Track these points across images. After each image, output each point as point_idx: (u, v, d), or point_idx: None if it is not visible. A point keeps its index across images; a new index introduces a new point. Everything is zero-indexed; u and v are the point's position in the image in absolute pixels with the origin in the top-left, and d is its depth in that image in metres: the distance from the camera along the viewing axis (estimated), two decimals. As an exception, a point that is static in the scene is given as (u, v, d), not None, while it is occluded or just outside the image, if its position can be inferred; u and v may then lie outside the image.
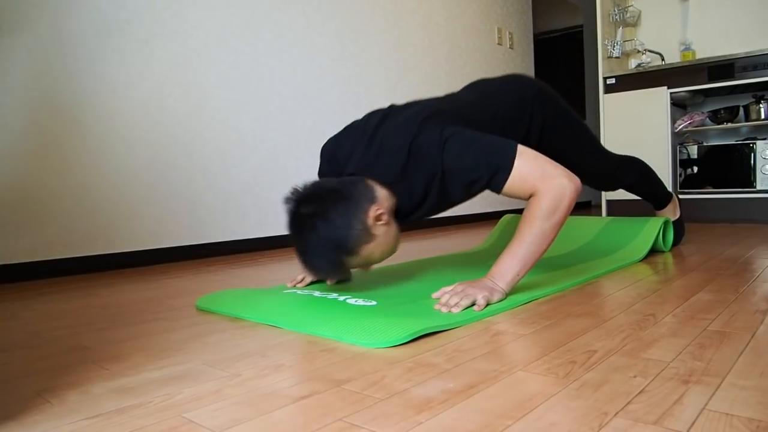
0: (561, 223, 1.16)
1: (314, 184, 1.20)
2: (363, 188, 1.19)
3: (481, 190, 1.23)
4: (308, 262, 1.17)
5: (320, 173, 1.45)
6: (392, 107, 1.36)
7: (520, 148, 1.18)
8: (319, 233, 1.12)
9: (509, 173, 1.16)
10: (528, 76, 1.61)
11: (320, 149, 1.43)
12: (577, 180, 1.18)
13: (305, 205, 1.15)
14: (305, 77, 2.76)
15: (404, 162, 1.22)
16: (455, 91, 1.57)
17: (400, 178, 1.23)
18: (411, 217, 1.31)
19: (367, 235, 1.16)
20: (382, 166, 1.24)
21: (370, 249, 1.18)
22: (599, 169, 1.76)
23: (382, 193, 1.22)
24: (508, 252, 1.17)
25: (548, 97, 1.53)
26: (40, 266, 1.90)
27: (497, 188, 1.19)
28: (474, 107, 1.38)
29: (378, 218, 1.18)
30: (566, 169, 1.19)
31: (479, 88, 1.51)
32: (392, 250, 1.26)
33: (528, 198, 1.18)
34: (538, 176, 1.16)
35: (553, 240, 1.17)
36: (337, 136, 1.40)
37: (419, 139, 1.21)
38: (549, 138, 1.51)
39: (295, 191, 1.19)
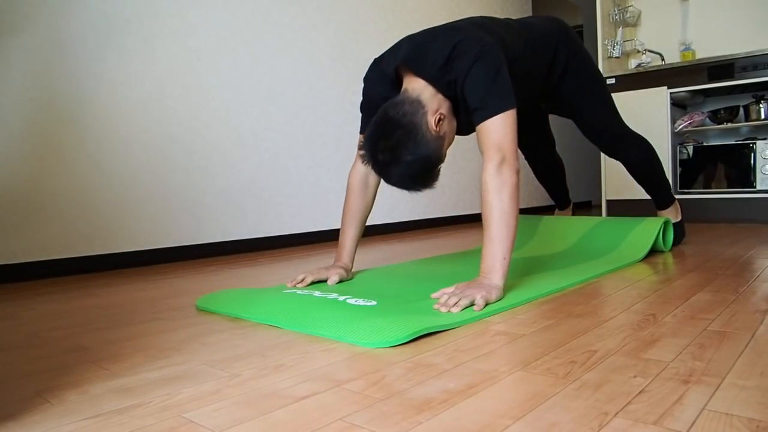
0: (514, 194, 1.20)
1: (377, 128, 1.25)
2: (412, 107, 1.26)
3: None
4: (411, 189, 1.30)
5: (364, 104, 1.50)
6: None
7: (512, 111, 1.24)
8: (406, 164, 1.22)
9: (491, 116, 1.23)
10: (561, 21, 1.74)
11: (363, 77, 1.50)
12: (515, 160, 1.23)
13: (381, 153, 1.23)
14: (305, 77, 2.76)
15: (446, 58, 1.28)
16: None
17: (439, 75, 1.29)
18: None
19: (440, 140, 1.28)
20: (426, 62, 1.30)
21: (446, 145, 1.33)
22: (609, 125, 1.82)
23: (426, 94, 1.29)
24: (487, 241, 1.19)
25: (573, 37, 1.71)
26: (40, 266, 1.90)
27: (476, 121, 1.27)
28: (510, 30, 1.49)
29: (439, 120, 1.27)
30: (515, 147, 1.25)
31: (519, 20, 1.65)
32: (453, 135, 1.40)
33: (482, 152, 1.26)
34: (497, 139, 1.22)
35: (516, 211, 1.20)
36: (380, 56, 1.47)
37: (464, 42, 1.28)
38: (570, 78, 1.69)
39: (367, 143, 1.26)
